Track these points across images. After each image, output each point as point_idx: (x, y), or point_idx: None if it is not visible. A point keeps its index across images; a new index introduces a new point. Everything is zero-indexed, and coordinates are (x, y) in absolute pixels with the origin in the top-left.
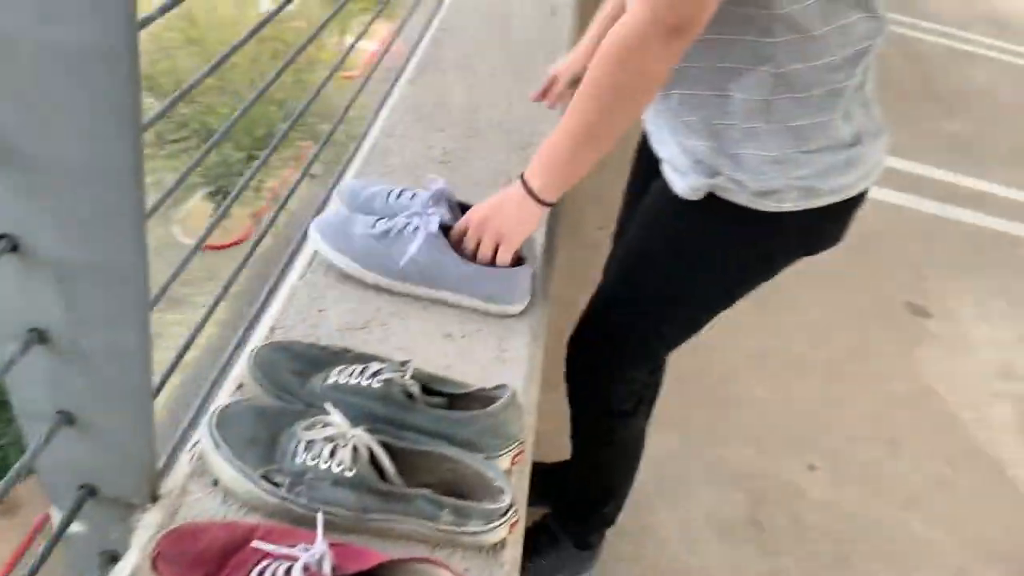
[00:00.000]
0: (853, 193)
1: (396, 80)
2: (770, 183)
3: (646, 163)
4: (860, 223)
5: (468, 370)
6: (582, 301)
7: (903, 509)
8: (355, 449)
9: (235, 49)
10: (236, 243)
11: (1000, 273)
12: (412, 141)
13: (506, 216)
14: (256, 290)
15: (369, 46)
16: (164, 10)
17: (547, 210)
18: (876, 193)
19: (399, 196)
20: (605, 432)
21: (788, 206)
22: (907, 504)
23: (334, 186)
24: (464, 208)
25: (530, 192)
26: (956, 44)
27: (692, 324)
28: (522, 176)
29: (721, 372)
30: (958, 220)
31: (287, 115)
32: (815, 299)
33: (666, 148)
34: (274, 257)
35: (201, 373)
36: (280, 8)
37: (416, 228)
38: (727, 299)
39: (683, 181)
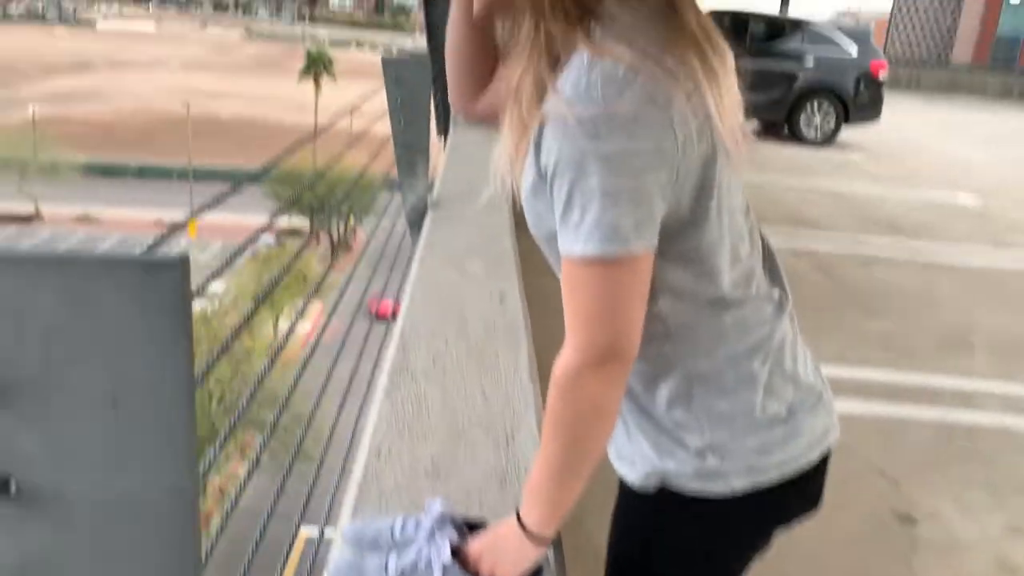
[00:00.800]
0: (804, 464)
1: (368, 392)
2: (710, 465)
3: None
4: None
5: None
6: None
7: None
8: None
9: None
10: None
11: (968, 464)
12: (401, 458)
13: (501, 555)
14: None
15: (304, 327)
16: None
17: (546, 550)
18: None
19: (403, 528)
20: None
21: (739, 485)
22: None
23: (331, 516)
24: (469, 524)
25: (526, 530)
26: (855, 249)
27: None
28: (518, 513)
29: None
30: (911, 418)
31: (227, 408)
32: (802, 527)
33: (612, 442)
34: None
35: None
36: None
37: (429, 561)
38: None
39: (633, 472)
